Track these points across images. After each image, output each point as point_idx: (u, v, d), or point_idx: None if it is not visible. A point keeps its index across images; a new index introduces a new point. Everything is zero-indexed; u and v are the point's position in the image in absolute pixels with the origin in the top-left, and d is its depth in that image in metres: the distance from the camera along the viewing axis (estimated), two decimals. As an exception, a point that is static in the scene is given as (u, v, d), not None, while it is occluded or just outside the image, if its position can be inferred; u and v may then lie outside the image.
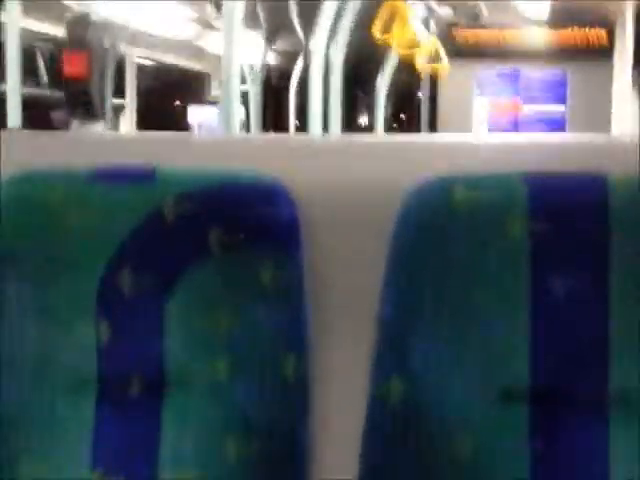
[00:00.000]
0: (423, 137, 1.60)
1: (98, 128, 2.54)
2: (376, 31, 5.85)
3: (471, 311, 1.23)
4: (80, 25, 2.48)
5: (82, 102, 2.45)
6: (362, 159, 1.37)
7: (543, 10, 8.57)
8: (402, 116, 12.92)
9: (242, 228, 1.26)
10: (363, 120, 13.47)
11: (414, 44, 6.91)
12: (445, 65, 7.85)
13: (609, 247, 1.21)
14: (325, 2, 4.98)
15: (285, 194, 1.28)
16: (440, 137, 1.49)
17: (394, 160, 1.36)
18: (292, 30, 7.30)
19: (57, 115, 7.79)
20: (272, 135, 1.31)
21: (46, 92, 7.73)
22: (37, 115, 7.25)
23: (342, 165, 1.36)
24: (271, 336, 1.27)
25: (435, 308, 1.24)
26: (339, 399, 1.33)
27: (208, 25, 8.54)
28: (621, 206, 1.21)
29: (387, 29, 6.07)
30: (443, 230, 1.23)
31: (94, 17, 2.49)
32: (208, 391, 1.27)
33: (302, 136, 2.53)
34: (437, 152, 1.37)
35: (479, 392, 1.23)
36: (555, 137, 1.34)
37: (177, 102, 12.06)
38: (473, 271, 1.23)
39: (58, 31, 6.68)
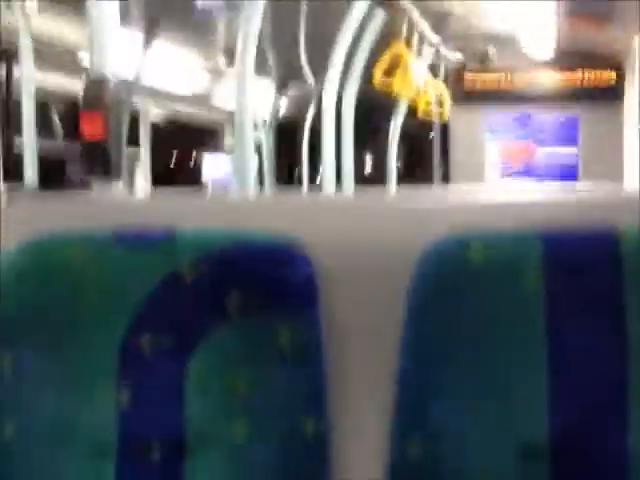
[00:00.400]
0: (439, 196, 1.61)
1: (118, 186, 2.57)
2: (377, 77, 5.86)
3: (489, 367, 1.24)
4: (98, 87, 2.51)
5: (101, 162, 2.48)
6: (378, 218, 1.38)
7: (548, 51, 8.62)
8: (413, 164, 12.93)
9: (260, 290, 1.27)
10: (371, 169, 13.47)
11: (417, 90, 6.92)
12: (447, 110, 7.86)
13: (624, 299, 1.22)
14: (335, 50, 5.01)
15: (302, 255, 1.29)
16: (454, 193, 1.50)
17: (410, 218, 1.37)
18: (303, 78, 7.35)
19: (72, 169, 7.85)
20: (289, 195, 1.33)
21: (61, 146, 7.79)
22: (53, 169, 7.30)
23: (358, 224, 1.37)
24: (290, 398, 1.27)
25: (453, 365, 1.24)
26: (359, 459, 1.33)
27: (220, 75, 8.62)
28: (634, 258, 1.22)
29: (390, 74, 6.08)
30: (459, 287, 1.24)
31: (111, 77, 2.52)
32: (228, 454, 1.27)
33: (318, 196, 2.54)
34: (452, 210, 1.38)
35: (498, 449, 1.23)
36: (568, 192, 1.35)
37: (191, 153, 12.15)
38: (490, 327, 1.24)
39: (72, 84, 6.77)
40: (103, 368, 1.27)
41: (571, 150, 9.48)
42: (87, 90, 2.56)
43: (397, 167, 8.73)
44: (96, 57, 2.59)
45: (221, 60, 7.35)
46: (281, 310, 1.27)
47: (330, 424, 1.28)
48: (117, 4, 2.70)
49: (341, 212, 1.40)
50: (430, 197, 1.48)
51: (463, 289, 1.24)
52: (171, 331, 1.27)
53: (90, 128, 2.42)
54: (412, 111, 8.26)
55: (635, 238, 1.23)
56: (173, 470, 1.27)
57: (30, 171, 4.40)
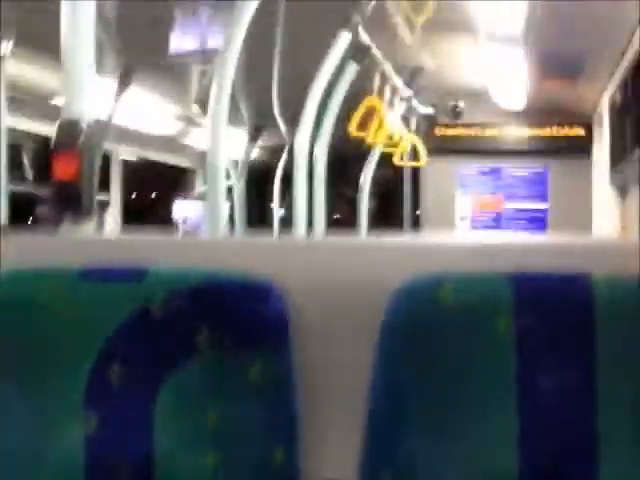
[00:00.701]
0: (410, 238, 1.63)
1: (89, 227, 2.56)
2: (352, 128, 5.92)
3: (459, 407, 1.24)
4: (71, 128, 2.51)
5: (72, 203, 2.47)
6: (350, 259, 1.39)
7: (518, 105, 8.75)
8: (384, 212, 13.01)
9: (231, 326, 1.27)
10: (341, 215, 13.53)
11: (392, 141, 7.00)
12: (423, 162, 7.94)
13: (594, 343, 1.22)
14: (308, 100, 5.05)
15: (274, 293, 1.30)
16: (427, 238, 1.52)
17: (381, 260, 1.38)
18: (276, 126, 7.39)
19: (41, 210, 7.82)
20: (259, 237, 1.34)
21: (30, 188, 7.77)
22: (22, 210, 7.28)
23: (331, 264, 1.38)
24: (261, 432, 1.27)
25: (423, 403, 1.24)
26: None
27: (193, 123, 8.65)
28: (605, 303, 1.23)
29: (365, 126, 6.15)
30: (430, 327, 1.25)
31: (86, 120, 2.52)
32: None
33: (290, 237, 2.56)
34: (423, 252, 1.39)
35: None
36: (537, 237, 1.37)
37: (161, 196, 12.13)
38: (460, 367, 1.24)
39: (42, 128, 6.76)
40: (70, 399, 1.27)
41: (540, 205, 9.57)
42: (60, 131, 2.56)
43: (368, 216, 8.78)
44: (70, 99, 2.60)
45: (194, 108, 7.38)
46: (252, 346, 1.27)
47: (301, 455, 1.28)
48: (92, 50, 2.71)
49: (311, 251, 1.41)
50: (401, 239, 1.49)
51: (434, 328, 1.25)
52: (140, 364, 1.27)
53: (62, 169, 2.42)
54: (384, 161, 8.33)
55: (607, 284, 1.24)
56: None
57: (1, 212, 4.38)
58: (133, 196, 11.28)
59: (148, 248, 1.41)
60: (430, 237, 1.40)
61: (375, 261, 1.38)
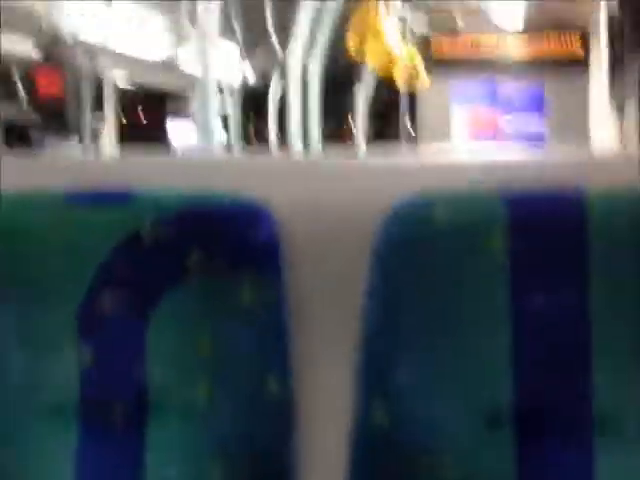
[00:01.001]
0: (402, 157, 1.60)
1: (73, 144, 2.53)
2: (351, 46, 5.84)
3: (452, 330, 1.23)
4: (54, 45, 2.47)
5: (56, 120, 2.44)
6: (342, 178, 1.36)
7: (517, 21, 8.63)
8: (382, 130, 12.98)
9: (222, 249, 1.25)
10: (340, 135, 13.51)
11: (391, 58, 6.91)
12: (425, 80, 7.86)
13: (588, 262, 1.21)
14: (301, 14, 4.97)
15: (265, 214, 1.28)
16: (419, 157, 1.49)
17: (374, 179, 1.36)
18: (269, 44, 7.31)
19: (35, 134, 7.78)
20: (252, 155, 1.31)
21: (24, 111, 7.70)
22: (17, 134, 7.23)
23: (323, 184, 1.36)
24: (253, 357, 1.26)
25: (416, 327, 1.23)
26: (323, 419, 1.32)
27: (185, 38, 8.55)
28: (599, 221, 1.21)
29: (362, 42, 6.06)
30: (423, 248, 1.23)
31: (68, 37, 2.48)
32: (191, 414, 1.26)
33: (282, 156, 2.52)
34: (417, 171, 1.37)
35: (463, 414, 1.22)
36: (532, 153, 1.35)
37: (156, 118, 12.08)
38: (453, 289, 1.23)
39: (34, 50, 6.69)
40: (63, 329, 1.26)
41: (538, 119, 9.52)
42: (44, 49, 2.52)
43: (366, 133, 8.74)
44: (54, 13, 2.55)
45: (186, 22, 7.28)
46: (243, 269, 1.25)
47: (294, 381, 1.28)
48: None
49: (305, 172, 1.39)
50: (395, 157, 1.46)
51: (427, 250, 1.23)
52: (131, 291, 1.25)
53: (46, 84, 2.38)
54: (382, 79, 8.25)
55: (601, 199, 1.22)
56: (135, 431, 1.26)
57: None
58: (128, 120, 11.21)
59: (136, 168, 1.38)
60: (423, 156, 1.38)
61: (367, 181, 1.36)
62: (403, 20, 7.77)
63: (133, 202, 1.26)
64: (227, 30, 6.17)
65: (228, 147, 8.16)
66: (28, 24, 5.74)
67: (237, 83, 8.25)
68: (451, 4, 8.49)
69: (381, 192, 1.30)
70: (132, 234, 1.25)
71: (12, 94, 7.60)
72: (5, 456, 1.26)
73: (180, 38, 8.36)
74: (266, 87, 8.67)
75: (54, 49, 2.36)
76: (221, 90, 7.09)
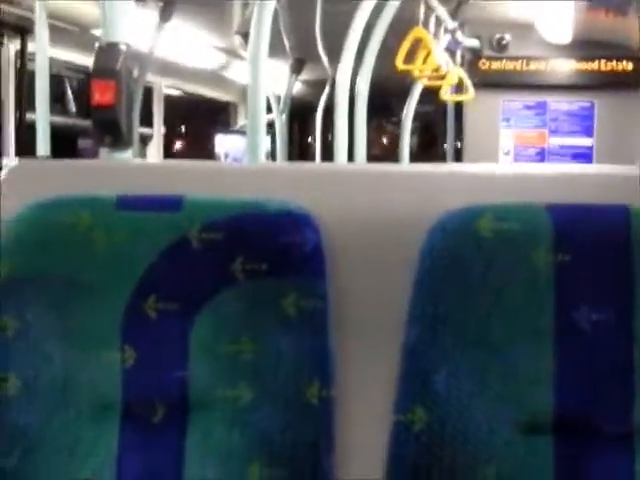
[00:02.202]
0: (448, 167, 1.61)
1: (127, 156, 2.57)
2: (400, 61, 5.85)
3: (495, 341, 1.23)
4: (109, 54, 2.51)
5: (110, 130, 2.48)
6: (388, 188, 1.37)
7: (565, 35, 8.59)
8: (427, 146, 12.95)
9: (267, 256, 1.27)
10: (383, 151, 13.52)
11: (439, 75, 6.91)
12: (470, 96, 7.83)
13: (633, 277, 1.21)
14: (350, 31, 4.99)
15: (310, 222, 1.29)
16: (465, 167, 1.50)
17: (420, 190, 1.37)
18: (318, 60, 7.34)
19: (84, 143, 7.87)
20: (298, 164, 1.32)
21: (74, 120, 7.80)
22: (65, 143, 7.32)
23: (368, 194, 1.37)
24: (295, 363, 1.27)
25: (459, 337, 1.24)
26: (363, 426, 1.33)
27: (234, 55, 8.61)
28: None
29: (411, 60, 6.07)
30: (468, 260, 1.24)
31: (124, 46, 2.52)
32: (231, 417, 1.27)
33: (327, 165, 2.54)
34: (463, 182, 1.37)
35: (503, 422, 1.22)
36: (577, 168, 1.35)
37: (204, 130, 12.13)
38: (497, 301, 1.23)
39: (85, 60, 6.77)
40: (108, 329, 1.28)
41: (586, 140, 9.44)
42: (98, 58, 2.56)
43: (411, 150, 8.73)
44: (108, 25, 2.60)
45: (236, 40, 7.33)
46: (288, 276, 1.27)
47: (335, 388, 1.28)
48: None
49: (351, 181, 1.40)
50: (441, 170, 1.47)
51: (472, 261, 1.23)
52: (176, 294, 1.27)
53: (100, 93, 2.42)
54: (426, 96, 8.25)
55: None
56: (176, 432, 1.27)
57: (42, 144, 4.40)
58: (176, 130, 11.29)
59: (185, 175, 1.41)
60: (468, 168, 1.38)
61: (413, 191, 1.36)
62: (455, 39, 7.75)
63: (182, 208, 1.28)
64: (278, 46, 6.21)
65: (273, 156, 8.20)
66: (83, 36, 5.84)
67: (285, 95, 8.28)
68: (500, 17, 8.46)
69: (427, 203, 1.31)
70: (180, 239, 1.27)
71: (64, 103, 7.71)
72: (47, 454, 1.28)
73: (232, 57, 8.43)
74: (315, 101, 8.71)
75: (109, 59, 2.41)
76: (269, 101, 7.13)
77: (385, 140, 13.65)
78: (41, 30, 4.51)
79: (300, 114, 10.73)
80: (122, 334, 1.28)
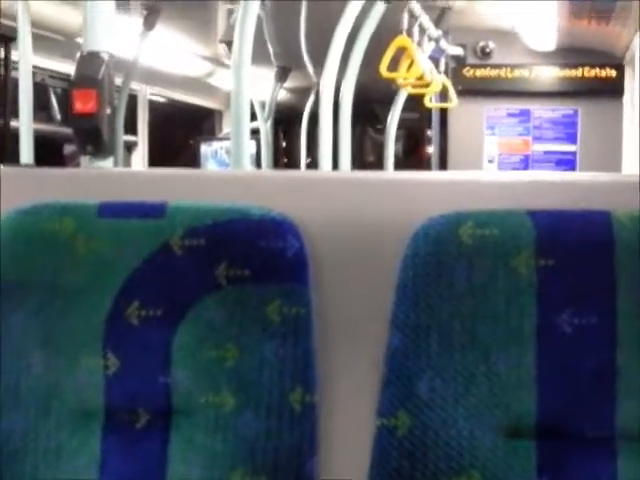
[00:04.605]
0: (431, 174, 1.61)
1: (108, 164, 2.57)
2: (383, 69, 5.86)
3: (478, 347, 1.24)
4: (91, 63, 2.50)
5: (91, 139, 2.47)
6: (370, 195, 1.38)
7: (549, 43, 8.63)
8: (411, 154, 12.97)
9: (250, 263, 1.27)
10: (371, 157, 13.53)
11: (423, 83, 6.93)
12: (454, 103, 7.85)
13: (615, 282, 1.22)
14: (334, 39, 4.99)
15: (293, 229, 1.29)
16: (448, 174, 1.51)
17: (402, 197, 1.37)
18: (303, 67, 7.34)
19: (70, 149, 7.85)
20: (280, 171, 1.33)
21: (59, 128, 7.78)
22: (51, 150, 7.30)
23: (350, 201, 1.37)
24: (278, 369, 1.27)
25: (441, 342, 1.24)
26: (346, 432, 1.33)
27: (219, 63, 8.61)
28: (626, 242, 1.21)
29: (395, 67, 6.08)
30: (450, 266, 1.24)
31: (105, 55, 2.51)
32: (214, 423, 1.27)
33: (310, 172, 2.54)
34: (444, 189, 1.38)
35: (486, 427, 1.23)
36: (560, 175, 1.36)
37: (188, 138, 12.12)
38: (480, 307, 1.24)
39: (70, 69, 6.77)
40: (90, 335, 1.28)
41: (570, 147, 9.47)
42: (79, 67, 2.56)
43: (395, 155, 8.73)
44: (90, 33, 2.59)
45: (221, 48, 7.34)
46: (271, 282, 1.27)
47: (318, 394, 1.29)
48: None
49: (333, 188, 1.40)
50: (423, 177, 1.48)
51: (454, 267, 1.24)
52: (159, 300, 1.27)
53: (82, 104, 2.42)
54: (410, 104, 8.26)
55: (629, 221, 1.23)
56: (159, 438, 1.27)
57: (26, 152, 4.38)
58: (160, 138, 11.27)
59: (167, 182, 1.41)
60: (451, 174, 1.39)
61: (395, 198, 1.37)
62: (439, 47, 7.77)
63: (164, 215, 1.28)
64: (261, 52, 6.21)
65: (258, 162, 8.20)
66: (67, 44, 5.83)
67: (270, 103, 8.28)
68: (483, 25, 8.49)
69: (409, 210, 1.32)
70: (163, 246, 1.27)
71: (48, 111, 7.69)
72: (30, 460, 1.28)
73: (217, 65, 8.43)
74: (300, 109, 8.71)
75: (91, 67, 2.40)
76: (253, 107, 7.13)
77: (370, 148, 13.66)
78: (24, 38, 4.50)
79: (287, 121, 10.72)
80: (104, 340, 1.28)
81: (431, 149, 10.37)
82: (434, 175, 1.57)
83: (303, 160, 9.10)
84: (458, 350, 1.23)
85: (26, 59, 4.44)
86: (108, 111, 2.49)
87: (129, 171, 2.22)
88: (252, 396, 1.27)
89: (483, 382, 1.23)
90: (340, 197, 1.38)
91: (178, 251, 1.27)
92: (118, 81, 5.84)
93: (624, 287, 1.21)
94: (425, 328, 1.25)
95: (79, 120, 2.51)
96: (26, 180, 1.44)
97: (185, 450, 1.26)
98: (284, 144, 13.16)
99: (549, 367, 1.22)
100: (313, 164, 9.20)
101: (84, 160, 2.60)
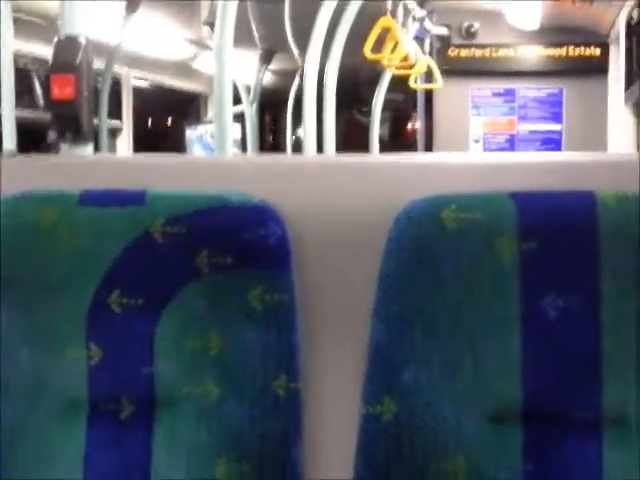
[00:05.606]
0: (413, 157, 1.60)
1: (88, 151, 2.55)
2: (367, 50, 5.84)
3: (462, 332, 1.23)
4: (69, 48, 2.48)
5: (70, 125, 2.45)
6: (353, 180, 1.37)
7: (533, 22, 8.64)
8: (397, 135, 12.96)
9: (231, 250, 1.26)
10: (354, 140, 13.53)
11: (407, 63, 6.91)
12: (439, 85, 7.85)
13: (599, 264, 1.21)
14: (317, 21, 4.98)
15: (275, 215, 1.28)
16: (431, 157, 1.50)
17: (385, 181, 1.36)
18: (288, 49, 7.32)
19: (53, 135, 7.81)
20: (261, 156, 1.32)
21: (42, 114, 7.74)
22: (35, 136, 7.26)
23: (332, 185, 1.36)
24: (262, 357, 1.26)
25: (426, 328, 1.23)
26: (331, 420, 1.32)
27: (205, 46, 8.58)
28: (610, 223, 1.21)
29: (380, 48, 6.06)
30: (433, 250, 1.23)
31: (83, 39, 2.49)
32: (199, 412, 1.26)
33: (291, 157, 2.53)
34: (426, 172, 1.37)
35: (471, 413, 1.22)
36: (543, 156, 1.35)
37: (173, 123, 12.09)
38: (463, 291, 1.23)
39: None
40: (73, 326, 1.27)
41: (555, 126, 9.49)
42: (57, 52, 2.53)
43: (381, 137, 8.73)
44: (67, 18, 2.57)
45: (204, 31, 7.31)
46: (253, 269, 1.26)
47: (302, 382, 1.28)
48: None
49: (314, 173, 1.39)
50: (404, 158, 1.47)
51: (437, 251, 1.23)
52: (141, 290, 1.26)
53: (59, 90, 2.39)
54: (395, 85, 8.25)
55: (613, 201, 1.22)
56: (143, 428, 1.27)
57: (9, 139, 4.36)
58: (145, 123, 11.23)
59: (149, 169, 1.39)
60: (434, 157, 1.38)
61: (378, 181, 1.36)
62: (423, 28, 7.76)
63: (145, 202, 1.27)
64: (246, 35, 6.19)
65: (244, 145, 8.19)
66: (43, 25, 5.79)
67: (255, 86, 8.26)
68: (468, 5, 8.49)
69: (392, 194, 1.31)
70: (144, 234, 1.26)
71: (32, 97, 7.65)
72: (14, 453, 1.27)
73: (201, 47, 8.39)
74: (284, 92, 8.69)
75: (68, 52, 2.37)
76: (237, 90, 7.11)
77: (356, 130, 13.65)
78: (4, 23, 4.47)
79: (274, 104, 10.70)
80: (87, 331, 1.27)
81: (418, 130, 10.37)
82: (417, 158, 1.56)
83: (289, 140, 9.11)
84: (441, 335, 1.23)
85: (7, 44, 4.40)
86: (86, 94, 2.46)
87: (110, 158, 2.20)
88: (236, 385, 1.26)
89: (469, 368, 1.22)
90: (322, 182, 1.37)
91: (159, 239, 1.25)
92: (101, 65, 5.83)
93: (608, 268, 1.20)
94: (409, 315, 1.24)
95: (57, 106, 2.49)
96: (7, 168, 1.43)
97: (170, 440, 1.26)
98: (272, 126, 13.15)
99: (534, 351, 1.22)
100: (297, 144, 9.21)
101: (64, 147, 2.58)
